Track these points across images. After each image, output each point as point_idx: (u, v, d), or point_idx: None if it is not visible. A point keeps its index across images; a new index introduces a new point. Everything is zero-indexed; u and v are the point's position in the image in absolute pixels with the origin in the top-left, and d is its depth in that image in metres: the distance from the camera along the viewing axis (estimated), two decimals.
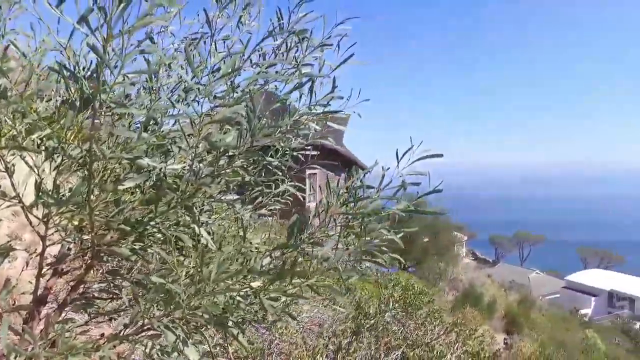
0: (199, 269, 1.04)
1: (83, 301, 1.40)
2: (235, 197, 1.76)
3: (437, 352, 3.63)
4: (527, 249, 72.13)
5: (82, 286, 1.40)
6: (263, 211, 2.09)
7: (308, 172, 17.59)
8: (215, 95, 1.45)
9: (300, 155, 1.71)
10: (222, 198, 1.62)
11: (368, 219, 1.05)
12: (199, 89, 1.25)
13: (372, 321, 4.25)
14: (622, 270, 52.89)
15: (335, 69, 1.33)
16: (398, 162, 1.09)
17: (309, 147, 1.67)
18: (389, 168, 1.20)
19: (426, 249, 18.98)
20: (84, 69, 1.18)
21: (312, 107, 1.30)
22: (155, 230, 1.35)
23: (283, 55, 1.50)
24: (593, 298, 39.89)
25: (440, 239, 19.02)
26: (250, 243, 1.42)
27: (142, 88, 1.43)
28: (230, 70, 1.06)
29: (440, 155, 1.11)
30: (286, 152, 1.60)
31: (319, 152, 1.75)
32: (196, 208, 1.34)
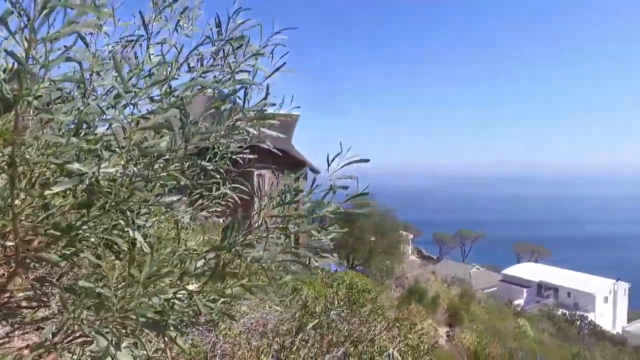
0: (130, 272, 1.05)
1: (5, 311, 1.34)
2: (176, 199, 1.75)
3: (377, 347, 3.78)
4: (469, 246, 76.18)
5: (4, 295, 1.34)
6: (204, 213, 2.09)
7: (256, 172, 17.49)
8: (152, 98, 1.45)
9: (239, 158, 1.74)
10: (161, 201, 1.61)
11: (300, 220, 1.11)
12: (134, 92, 1.25)
13: (317, 320, 4.33)
14: (549, 263, 57.48)
15: (268, 77, 1.38)
16: (328, 167, 1.16)
17: (247, 150, 1.71)
18: (319, 172, 1.26)
19: (374, 248, 19.50)
20: (4, 71, 1.14)
21: (247, 112, 1.34)
22: (88, 234, 1.32)
23: (221, 61, 1.53)
24: (525, 289, 42.98)
25: (387, 238, 19.61)
26: (186, 245, 1.43)
27: (73, 92, 1.40)
28: (162, 78, 1.07)
29: (367, 160, 1.19)
30: (224, 155, 1.62)
31: (256, 155, 1.77)
32: (131, 211, 1.33)
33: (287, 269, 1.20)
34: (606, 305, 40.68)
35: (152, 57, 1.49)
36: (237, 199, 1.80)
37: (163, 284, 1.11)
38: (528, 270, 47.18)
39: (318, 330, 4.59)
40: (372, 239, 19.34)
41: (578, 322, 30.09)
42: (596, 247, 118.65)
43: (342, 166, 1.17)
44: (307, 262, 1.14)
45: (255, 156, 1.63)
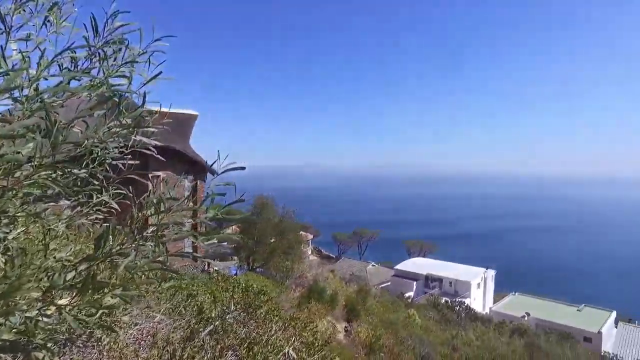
0: None
1: None
2: (46, 206, 1.62)
3: (271, 347, 3.86)
4: (365, 244, 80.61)
5: None
6: (84, 221, 1.95)
7: (151, 176, 16.37)
8: (16, 99, 1.33)
9: (121, 164, 1.67)
10: (28, 209, 1.47)
11: (178, 228, 1.13)
12: None
13: (212, 326, 4.26)
14: (435, 257, 63.60)
15: (145, 84, 1.36)
16: (207, 174, 1.20)
17: (129, 155, 1.65)
18: (219, 174, 1.28)
19: (274, 249, 19.61)
20: None
21: (123, 117, 1.31)
22: None
23: (100, 64, 1.45)
24: (414, 282, 46.92)
25: (287, 239, 19.88)
26: (54, 257, 1.34)
27: None
28: (12, 85, 1.00)
29: (243, 168, 1.25)
30: (103, 161, 1.54)
31: (138, 161, 1.70)
32: None
33: (165, 276, 1.20)
34: (479, 291, 46.38)
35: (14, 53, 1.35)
36: (125, 204, 1.73)
37: (23, 301, 1.04)
38: (417, 265, 51.55)
39: (214, 336, 4.52)
40: (272, 240, 19.44)
41: (457, 308, 33.81)
42: (471, 241, 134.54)
43: (221, 173, 1.21)
44: (207, 266, 1.16)
45: (137, 162, 1.58)
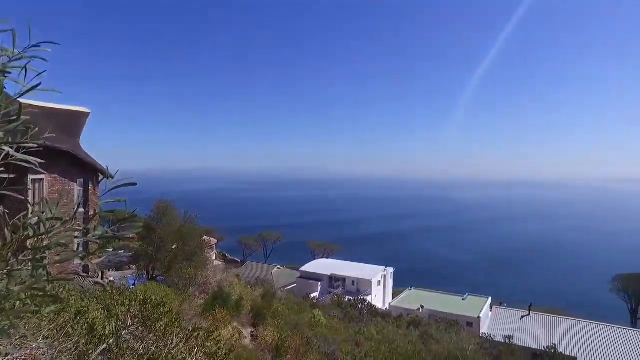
0: None
1: None
2: None
3: None
4: (270, 247, 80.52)
5: None
6: None
7: (31, 177, 14.35)
8: None
9: None
10: None
11: (56, 248, 1.03)
12: None
13: (105, 345, 3.91)
14: (339, 258, 65.97)
15: (21, 95, 1.21)
16: (99, 176, 1.11)
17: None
18: (112, 177, 1.19)
19: (175, 256, 18.59)
20: None
21: None
22: None
23: None
24: (319, 282, 48.14)
25: (189, 245, 18.99)
26: None
27: None
28: None
29: (134, 184, 1.19)
30: None
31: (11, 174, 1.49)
32: None
33: (47, 301, 1.08)
34: (379, 288, 49.27)
35: None
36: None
37: None
38: (321, 266, 52.93)
39: (107, 355, 4.16)
40: (174, 246, 18.42)
41: (359, 305, 35.48)
42: (371, 241, 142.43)
43: (110, 189, 1.14)
44: (100, 278, 1.06)
45: (2, 168, 1.38)
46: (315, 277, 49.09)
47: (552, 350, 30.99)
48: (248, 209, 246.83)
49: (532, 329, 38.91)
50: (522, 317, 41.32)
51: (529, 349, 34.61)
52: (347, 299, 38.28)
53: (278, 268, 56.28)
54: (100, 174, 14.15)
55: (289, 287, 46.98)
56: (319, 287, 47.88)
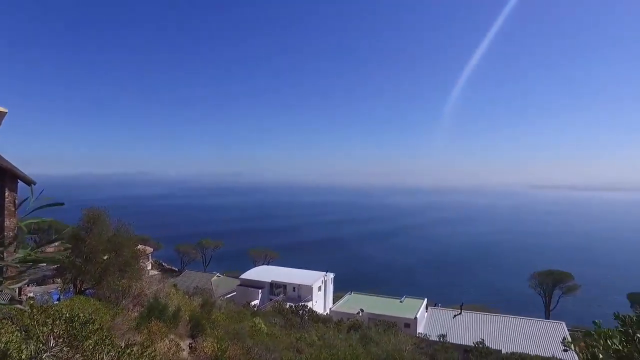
0: None
1: None
2: None
3: None
4: (210, 255, 78.06)
5: None
6: None
7: None
8: None
9: None
10: None
11: None
12: None
13: None
14: (280, 264, 65.56)
15: None
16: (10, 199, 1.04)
17: None
18: (35, 183, 1.11)
19: (107, 267, 17.40)
20: None
21: None
22: None
23: None
24: (260, 290, 47.43)
25: (122, 255, 17.85)
26: None
27: None
28: None
29: (61, 204, 1.13)
30: None
31: None
32: None
33: None
34: (320, 293, 49.59)
35: None
36: None
37: None
38: (262, 273, 52.22)
39: None
40: (105, 257, 17.24)
41: (301, 311, 35.45)
42: (312, 247, 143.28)
43: (35, 210, 1.07)
44: (17, 294, 0.98)
45: None
46: (255, 285, 48.32)
47: (481, 346, 33.06)
48: (186, 215, 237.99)
49: (464, 327, 41.28)
50: (455, 316, 43.68)
51: (461, 345, 36.62)
52: (288, 306, 38.08)
53: (218, 276, 54.72)
54: (20, 180, 12.89)
55: (229, 296, 45.80)
56: (260, 295, 47.19)
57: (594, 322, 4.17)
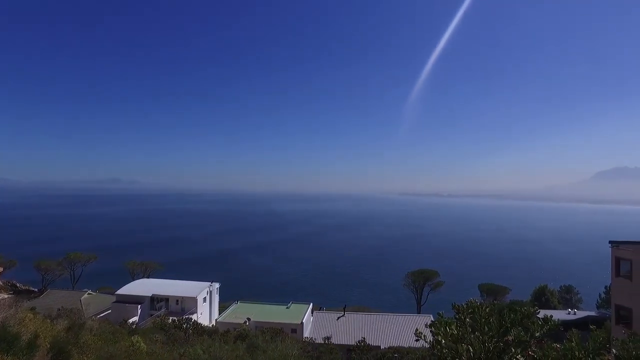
0: None
1: None
2: None
3: None
4: (80, 270, 69.43)
5: None
6: None
7: None
8: None
9: None
10: None
11: None
12: None
13: None
14: (161, 276, 61.52)
15: None
16: None
17: None
18: None
19: None
20: None
21: None
22: None
23: None
24: (139, 305, 43.82)
25: None
26: None
27: None
28: None
29: None
30: None
31: None
32: None
33: None
34: (205, 305, 47.74)
35: None
36: None
37: None
38: (141, 287, 48.36)
39: None
40: None
41: (185, 325, 33.69)
42: (198, 258, 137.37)
43: None
44: None
45: None
46: (134, 300, 44.50)
47: (362, 343, 35.35)
48: (49, 228, 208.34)
49: (347, 328, 43.66)
50: (339, 317, 45.95)
51: (345, 345, 38.65)
52: (171, 320, 35.90)
53: (89, 294, 49.04)
54: None
55: (103, 315, 41.46)
56: (139, 311, 43.60)
57: (438, 313, 5.00)
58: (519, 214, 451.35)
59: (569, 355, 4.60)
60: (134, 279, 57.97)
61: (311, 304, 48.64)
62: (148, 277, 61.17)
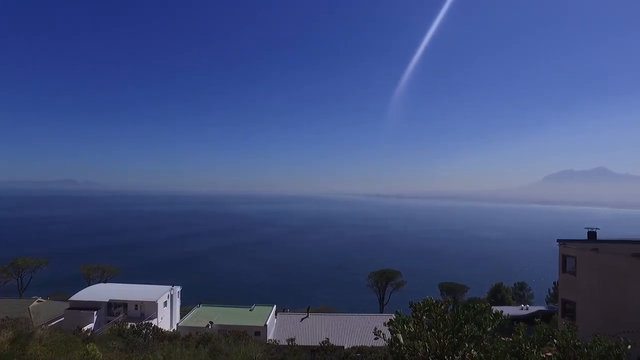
0: None
1: None
2: None
3: None
4: (29, 276, 65.60)
5: None
6: None
7: None
8: None
9: None
10: None
11: None
12: None
13: None
14: (120, 281, 59.23)
15: None
16: None
17: None
18: None
19: None
20: None
21: None
22: None
23: None
24: (95, 312, 41.99)
25: None
26: None
27: None
28: None
29: None
30: None
31: None
32: None
33: None
34: (166, 309, 46.44)
35: None
36: None
37: None
38: (98, 292, 46.39)
39: None
40: None
41: (144, 331, 32.64)
42: (160, 262, 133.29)
43: None
44: None
45: None
46: (89, 306, 42.60)
47: (326, 344, 35.63)
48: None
49: (311, 329, 43.82)
50: (303, 319, 46.04)
51: (309, 346, 38.80)
52: (129, 326, 34.67)
53: (39, 301, 46.44)
54: None
55: (55, 323, 39.41)
56: (95, 317, 41.80)
57: (396, 311, 5.23)
58: (476, 214, 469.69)
59: (517, 347, 4.98)
60: (90, 285, 55.48)
61: (275, 306, 48.46)
62: (105, 282, 58.73)
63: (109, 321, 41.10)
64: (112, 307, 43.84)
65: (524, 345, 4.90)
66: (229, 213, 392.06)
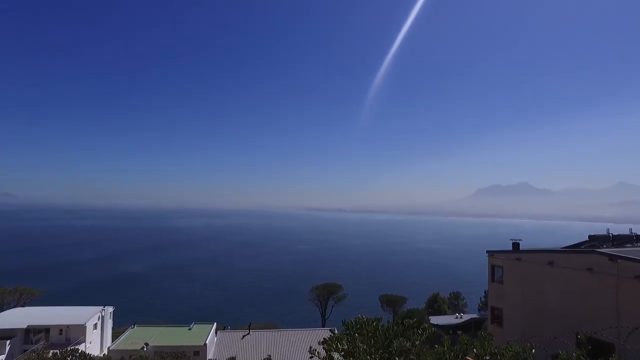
0: None
1: None
2: None
3: None
4: None
5: None
6: None
7: None
8: None
9: None
10: None
11: None
12: None
13: None
14: (41, 304, 54.17)
15: None
16: None
17: None
18: None
19: None
20: None
21: None
22: None
23: None
24: (8, 341, 37.87)
25: None
26: None
27: None
28: None
29: None
30: None
31: None
32: None
33: None
34: (96, 332, 43.16)
35: None
36: None
37: None
38: (13, 317, 42.08)
39: None
40: None
41: (69, 358, 30.04)
42: (90, 281, 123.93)
43: None
44: None
45: None
46: (2, 335, 38.45)
47: None
48: None
49: (253, 346, 42.81)
50: (244, 336, 44.90)
51: None
52: (51, 354, 31.76)
53: None
54: None
55: None
56: (8, 347, 37.72)
57: (330, 330, 5.40)
58: (413, 227, 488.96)
59: (442, 358, 5.35)
60: (3, 310, 50.19)
61: (215, 324, 46.85)
62: (23, 306, 53.48)
63: (25, 350, 37.33)
64: (32, 333, 39.97)
65: (447, 355, 5.27)
66: (166, 227, 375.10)
